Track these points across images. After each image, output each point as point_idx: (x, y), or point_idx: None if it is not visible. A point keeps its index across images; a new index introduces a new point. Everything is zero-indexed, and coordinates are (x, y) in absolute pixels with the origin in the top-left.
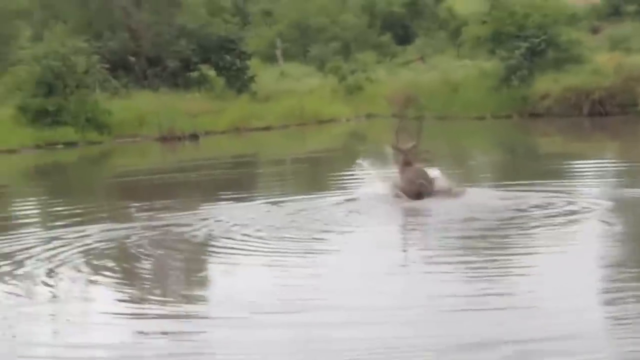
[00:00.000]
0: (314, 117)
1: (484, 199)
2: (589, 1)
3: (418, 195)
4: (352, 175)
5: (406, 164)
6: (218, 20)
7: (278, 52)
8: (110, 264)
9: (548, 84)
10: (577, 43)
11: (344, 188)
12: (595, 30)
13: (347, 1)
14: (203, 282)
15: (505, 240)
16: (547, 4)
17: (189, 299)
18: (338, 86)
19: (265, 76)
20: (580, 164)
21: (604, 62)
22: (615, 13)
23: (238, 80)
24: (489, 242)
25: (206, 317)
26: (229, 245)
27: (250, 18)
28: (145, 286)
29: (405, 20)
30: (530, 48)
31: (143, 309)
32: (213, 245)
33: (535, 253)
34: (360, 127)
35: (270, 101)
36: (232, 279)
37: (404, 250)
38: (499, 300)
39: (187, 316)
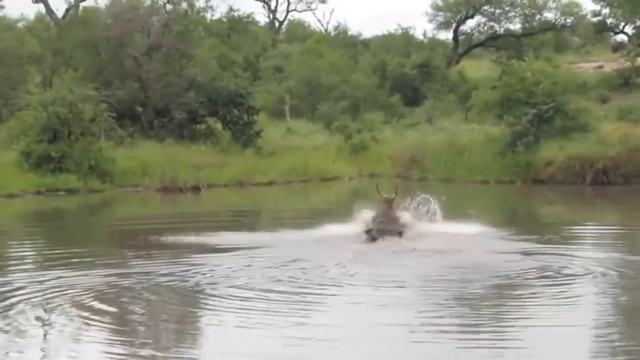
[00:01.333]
0: (318, 174)
1: (479, 258)
2: (600, 71)
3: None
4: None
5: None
6: (228, 74)
7: (286, 108)
8: (101, 309)
9: (553, 152)
10: (584, 112)
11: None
12: (604, 100)
13: (359, 61)
14: (193, 337)
15: (498, 307)
16: (558, 71)
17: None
18: (344, 145)
19: (271, 132)
20: (579, 230)
21: (610, 132)
22: (625, 84)
23: (244, 135)
24: (481, 306)
25: None
26: (212, 299)
27: (261, 73)
28: (136, 336)
29: (415, 82)
30: (537, 115)
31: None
32: (199, 297)
33: (529, 326)
34: (362, 186)
35: (274, 157)
36: (214, 334)
37: (394, 314)
38: None
39: None
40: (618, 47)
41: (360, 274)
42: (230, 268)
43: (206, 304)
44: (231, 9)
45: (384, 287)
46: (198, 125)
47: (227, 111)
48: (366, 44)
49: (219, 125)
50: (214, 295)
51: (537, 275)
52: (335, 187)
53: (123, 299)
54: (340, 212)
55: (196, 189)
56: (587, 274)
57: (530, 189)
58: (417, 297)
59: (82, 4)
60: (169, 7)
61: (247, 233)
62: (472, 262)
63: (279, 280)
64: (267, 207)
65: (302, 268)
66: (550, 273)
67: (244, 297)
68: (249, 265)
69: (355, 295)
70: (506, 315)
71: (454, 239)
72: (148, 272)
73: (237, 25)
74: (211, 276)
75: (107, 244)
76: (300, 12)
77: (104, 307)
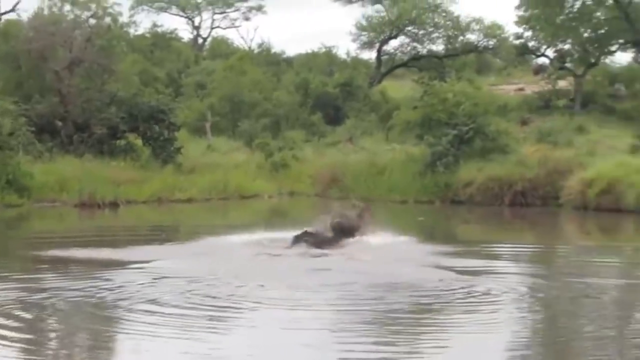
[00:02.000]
0: (237, 192)
1: (397, 276)
2: (521, 93)
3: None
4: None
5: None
6: (150, 89)
7: (207, 125)
8: (11, 326)
9: (472, 172)
10: (504, 133)
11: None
12: (524, 122)
13: (282, 79)
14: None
15: (417, 324)
16: (479, 93)
17: None
18: (264, 162)
19: (192, 148)
20: (498, 249)
21: (529, 153)
22: (545, 106)
23: (164, 151)
24: (400, 324)
25: None
26: (123, 319)
27: (183, 89)
28: (45, 356)
29: (337, 101)
30: (458, 135)
31: None
32: (111, 315)
33: (449, 346)
34: (282, 204)
35: (194, 174)
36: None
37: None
38: None
39: None
40: (539, 70)
41: (277, 293)
42: (142, 284)
43: (117, 323)
44: (155, 25)
45: (301, 308)
46: (118, 141)
47: (148, 127)
48: (289, 62)
49: (139, 141)
50: (125, 316)
51: (458, 294)
52: (255, 204)
53: (34, 315)
54: (258, 229)
55: (114, 204)
56: (508, 294)
57: (448, 209)
58: (334, 317)
59: (3, 17)
60: (92, 21)
61: (162, 247)
62: (393, 282)
63: (190, 298)
64: (185, 223)
65: (216, 286)
66: (470, 293)
67: (155, 321)
68: (161, 279)
69: (271, 316)
70: (425, 337)
71: (380, 255)
72: (61, 287)
73: (160, 41)
74: (123, 292)
75: (21, 259)
76: (224, 29)
77: (14, 323)
